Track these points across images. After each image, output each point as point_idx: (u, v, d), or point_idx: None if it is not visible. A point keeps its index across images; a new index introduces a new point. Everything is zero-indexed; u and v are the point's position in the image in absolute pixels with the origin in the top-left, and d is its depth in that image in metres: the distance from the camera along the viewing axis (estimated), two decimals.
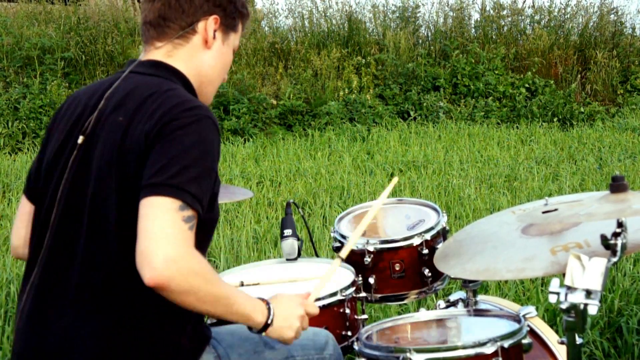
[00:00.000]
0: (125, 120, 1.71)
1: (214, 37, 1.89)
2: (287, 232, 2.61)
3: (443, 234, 2.59)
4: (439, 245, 2.47)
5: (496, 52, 11.57)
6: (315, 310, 1.92)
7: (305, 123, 9.81)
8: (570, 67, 11.86)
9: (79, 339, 1.69)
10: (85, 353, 1.69)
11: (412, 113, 10.39)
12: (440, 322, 2.23)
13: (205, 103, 1.92)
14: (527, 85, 11.23)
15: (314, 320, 2.20)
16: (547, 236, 1.95)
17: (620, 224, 1.70)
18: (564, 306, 1.69)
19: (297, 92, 10.23)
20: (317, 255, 2.94)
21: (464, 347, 1.88)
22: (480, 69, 11.20)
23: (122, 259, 1.64)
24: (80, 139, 1.75)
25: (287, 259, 2.64)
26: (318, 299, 2.21)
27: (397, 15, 12.41)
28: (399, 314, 3.62)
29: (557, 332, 2.57)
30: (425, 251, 2.50)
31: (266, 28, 12.24)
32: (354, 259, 2.54)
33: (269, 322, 1.77)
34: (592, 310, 1.67)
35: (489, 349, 1.88)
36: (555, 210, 1.83)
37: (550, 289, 1.72)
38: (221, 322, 2.23)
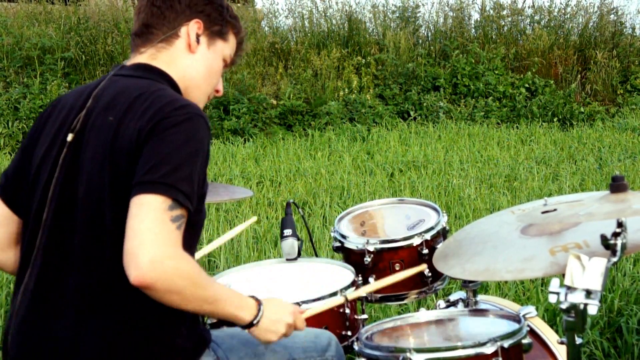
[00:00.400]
0: (115, 120, 1.71)
1: (198, 42, 1.91)
2: (287, 232, 2.61)
3: (443, 234, 2.59)
4: (439, 245, 2.47)
5: (496, 52, 11.57)
6: (302, 325, 1.94)
7: (305, 123, 9.81)
8: (570, 67, 11.86)
9: (76, 341, 1.68)
10: (83, 355, 1.68)
11: (412, 113, 10.39)
12: (440, 322, 2.23)
13: None
14: (527, 85, 11.23)
15: (314, 321, 2.21)
16: (546, 236, 1.95)
17: (620, 224, 1.70)
18: (564, 306, 1.69)
19: (297, 92, 10.23)
20: (317, 255, 2.94)
21: (464, 347, 1.88)
22: (480, 69, 11.20)
23: (117, 258, 1.64)
24: (70, 137, 1.76)
25: (287, 259, 2.64)
26: (315, 300, 2.22)
27: (397, 15, 12.41)
28: (399, 314, 3.62)
29: (557, 332, 2.57)
30: (425, 251, 2.50)
31: (266, 28, 12.25)
32: (354, 259, 2.54)
33: (255, 322, 1.78)
34: (592, 310, 1.67)
35: (489, 349, 1.88)
36: (555, 210, 1.83)
37: (550, 289, 1.72)
38: (221, 324, 2.24)
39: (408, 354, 1.86)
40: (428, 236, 2.53)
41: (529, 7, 12.90)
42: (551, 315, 3.58)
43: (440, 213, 2.63)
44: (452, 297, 2.53)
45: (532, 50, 11.80)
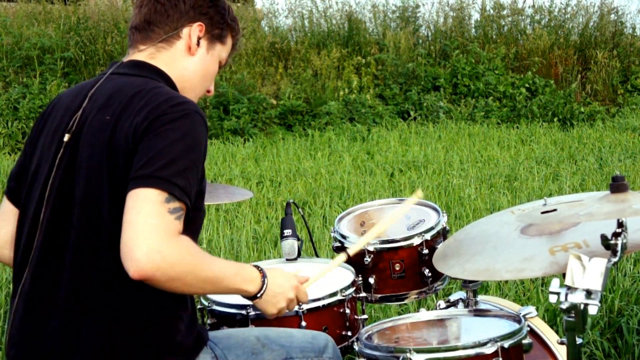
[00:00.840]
0: (112, 119, 1.71)
1: (198, 45, 1.91)
2: (287, 232, 2.61)
3: (443, 234, 2.58)
4: (439, 245, 2.47)
5: (496, 52, 11.57)
6: (305, 298, 1.96)
7: (305, 123, 9.81)
8: (571, 67, 11.86)
9: (74, 340, 1.68)
10: (81, 354, 1.68)
11: (412, 113, 10.39)
12: (440, 322, 2.23)
13: None
14: (527, 85, 11.23)
15: (314, 321, 2.21)
16: (546, 236, 1.95)
17: (620, 224, 1.70)
18: (564, 306, 1.69)
19: (297, 92, 10.23)
20: (317, 255, 2.94)
21: (464, 347, 1.88)
22: (480, 68, 11.20)
23: (114, 257, 1.64)
24: (67, 137, 1.76)
25: (287, 259, 2.64)
26: (315, 300, 2.22)
27: (397, 15, 12.41)
28: (399, 314, 3.61)
29: (557, 332, 2.57)
30: (426, 251, 2.50)
31: (266, 28, 12.24)
32: (354, 259, 2.54)
33: (259, 294, 1.81)
34: (592, 310, 1.67)
35: (489, 349, 1.87)
36: (555, 210, 1.83)
37: (551, 289, 1.72)
38: (220, 325, 2.24)
39: (408, 354, 1.86)
40: (428, 236, 2.52)
41: (529, 7, 12.90)
42: (551, 316, 3.58)
43: (440, 213, 2.63)
44: (452, 297, 2.53)
45: (532, 50, 11.80)
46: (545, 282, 3.99)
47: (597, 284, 1.66)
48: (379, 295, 2.55)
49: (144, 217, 1.55)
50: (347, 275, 2.44)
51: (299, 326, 2.18)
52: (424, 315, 2.25)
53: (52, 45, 9.72)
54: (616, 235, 1.69)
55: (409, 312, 3.51)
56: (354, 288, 2.35)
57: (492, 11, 12.49)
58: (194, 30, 1.90)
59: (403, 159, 7.74)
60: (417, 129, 9.58)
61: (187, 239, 1.61)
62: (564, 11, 12.82)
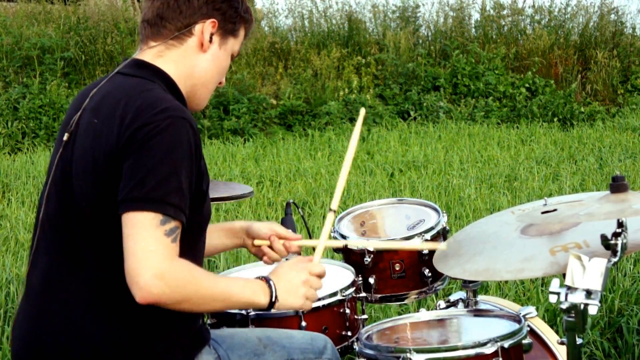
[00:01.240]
0: (99, 122, 1.71)
1: (211, 41, 1.87)
2: None
3: (443, 234, 2.58)
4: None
5: (496, 52, 11.57)
6: (320, 269, 1.90)
7: (305, 123, 9.81)
8: (571, 67, 11.86)
9: (77, 338, 1.69)
10: (84, 352, 1.68)
11: (412, 113, 10.39)
12: (440, 322, 2.23)
13: (200, 105, 1.91)
14: (527, 85, 11.22)
15: (314, 321, 2.21)
16: (546, 236, 1.95)
17: (620, 224, 1.69)
18: (564, 306, 1.69)
19: (297, 92, 10.23)
20: None
21: (464, 347, 1.88)
22: (480, 68, 11.19)
23: (111, 258, 1.65)
24: (66, 137, 1.77)
25: (287, 259, 2.63)
26: (319, 299, 2.22)
27: (397, 15, 12.41)
28: (399, 314, 3.61)
29: (557, 332, 2.56)
30: (426, 251, 2.50)
31: (266, 28, 12.24)
32: (354, 259, 2.54)
33: (274, 299, 1.78)
34: (592, 310, 1.67)
35: (489, 349, 1.88)
36: (555, 210, 1.83)
37: (551, 289, 1.72)
38: (221, 324, 2.24)
39: (408, 354, 1.86)
40: (428, 236, 2.52)
41: (529, 7, 12.89)
42: (551, 316, 3.57)
43: (440, 213, 2.63)
44: (452, 298, 2.53)
45: (532, 50, 11.79)
46: (545, 282, 3.99)
47: (597, 284, 1.66)
48: (379, 295, 2.55)
49: (142, 245, 1.57)
50: (347, 275, 2.44)
51: (299, 326, 2.19)
52: (424, 315, 2.25)
53: (52, 45, 9.72)
54: (616, 235, 1.69)
55: (409, 312, 3.50)
56: (354, 288, 2.35)
57: (492, 11, 12.48)
58: (206, 27, 1.86)
59: (403, 159, 7.74)
60: (417, 129, 9.57)
61: (186, 262, 1.63)
62: (564, 11, 12.81)
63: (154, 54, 1.85)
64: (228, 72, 9.43)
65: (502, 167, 7.33)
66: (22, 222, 5.34)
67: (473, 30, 12.47)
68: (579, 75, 11.77)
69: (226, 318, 2.23)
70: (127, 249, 1.58)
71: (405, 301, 2.61)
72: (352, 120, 9.90)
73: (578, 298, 1.68)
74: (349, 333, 2.30)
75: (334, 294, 2.27)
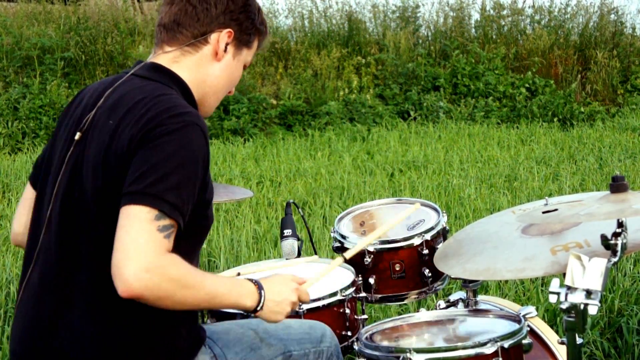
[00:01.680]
0: (114, 123, 1.71)
1: (225, 51, 1.87)
2: (287, 232, 2.61)
3: (443, 234, 2.58)
4: (439, 245, 2.47)
5: (496, 52, 11.56)
6: (307, 297, 1.93)
7: (305, 123, 9.81)
8: (571, 67, 11.85)
9: (78, 340, 1.68)
10: (85, 354, 1.68)
11: (412, 113, 10.39)
12: (440, 322, 2.23)
13: (208, 113, 1.92)
14: (527, 85, 11.22)
15: (313, 318, 2.20)
16: (547, 236, 1.95)
17: (620, 224, 1.70)
18: (564, 306, 1.69)
19: (297, 92, 10.23)
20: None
21: (464, 347, 1.88)
22: (480, 68, 11.19)
23: (109, 261, 1.65)
24: (77, 135, 1.76)
25: (287, 259, 2.64)
26: (315, 300, 2.23)
27: (397, 15, 12.40)
28: (399, 314, 3.61)
29: (557, 332, 2.57)
30: (426, 251, 2.50)
31: None
32: (354, 259, 2.54)
33: (259, 307, 1.79)
34: (592, 310, 1.67)
35: (489, 349, 1.88)
36: (556, 210, 1.83)
37: (551, 289, 1.72)
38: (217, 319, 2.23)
39: (408, 354, 1.86)
40: (428, 236, 2.52)
41: (529, 7, 12.88)
42: (551, 316, 3.57)
43: (440, 213, 2.63)
44: (452, 297, 2.53)
45: (532, 50, 11.79)
46: (545, 282, 3.99)
47: (597, 284, 1.66)
48: (379, 296, 2.55)
49: (133, 236, 1.56)
50: (347, 275, 2.44)
51: None
52: (424, 315, 2.25)
53: (52, 45, 9.72)
54: (616, 235, 1.69)
55: (409, 312, 3.50)
56: (354, 288, 2.35)
57: (492, 11, 12.47)
58: (222, 37, 1.86)
59: (403, 159, 7.74)
60: (417, 129, 9.57)
61: (175, 257, 1.61)
62: (564, 11, 12.81)
63: (169, 59, 1.85)
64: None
65: (502, 167, 7.33)
66: None
67: (473, 30, 12.47)
68: (579, 75, 11.77)
69: (226, 318, 2.22)
70: (118, 239, 1.57)
71: (405, 301, 2.61)
72: (352, 120, 9.90)
73: (578, 298, 1.68)
74: (349, 333, 2.30)
75: (334, 294, 2.27)
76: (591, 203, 1.79)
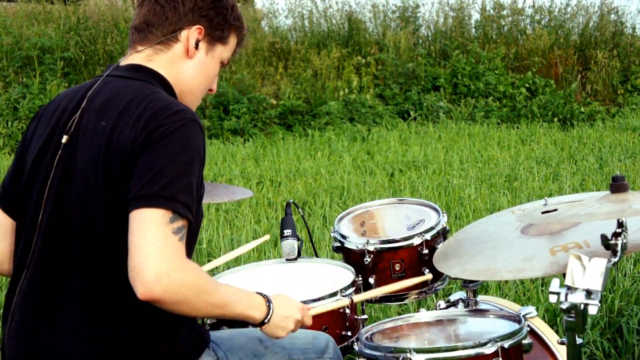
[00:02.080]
0: (108, 125, 1.70)
1: (197, 47, 1.87)
2: (287, 232, 2.61)
3: (443, 234, 2.58)
4: (439, 245, 2.47)
5: (496, 52, 11.57)
6: (310, 321, 1.96)
7: (305, 123, 9.81)
8: (571, 67, 11.86)
9: (75, 346, 1.68)
10: (83, 358, 1.68)
11: (412, 113, 10.39)
12: (440, 322, 2.22)
13: None
14: (527, 85, 11.23)
15: (314, 321, 2.20)
16: (546, 236, 1.95)
17: (620, 224, 1.69)
18: (564, 306, 1.69)
19: (297, 92, 10.23)
20: (317, 256, 2.94)
21: (464, 347, 1.88)
22: (480, 68, 11.19)
23: (113, 263, 1.64)
24: (65, 139, 1.74)
25: (287, 259, 2.64)
26: (319, 299, 2.23)
27: (397, 15, 12.41)
28: (399, 314, 3.61)
29: (557, 332, 2.56)
30: (426, 251, 2.50)
31: (266, 28, 12.24)
32: (354, 259, 2.54)
33: (266, 320, 1.80)
34: (592, 310, 1.67)
35: (489, 349, 1.87)
36: (555, 210, 1.83)
37: (551, 289, 1.72)
38: (220, 324, 2.23)
39: (408, 354, 1.86)
40: (428, 236, 2.52)
41: (529, 7, 12.89)
42: (551, 316, 3.57)
43: (440, 213, 2.63)
44: (452, 298, 2.53)
45: (532, 50, 11.79)
46: (545, 282, 3.99)
47: (597, 284, 1.66)
48: (379, 296, 2.55)
49: (150, 241, 1.56)
50: (347, 275, 2.44)
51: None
52: (424, 315, 2.25)
53: (52, 45, 9.72)
54: (616, 235, 1.69)
55: (409, 312, 3.50)
56: (354, 288, 2.35)
57: (492, 11, 12.48)
58: (192, 34, 1.86)
59: (403, 159, 7.74)
60: (417, 129, 9.58)
61: (193, 263, 1.64)
62: (564, 11, 12.82)
63: (143, 57, 1.85)
64: (228, 72, 9.32)
65: (502, 167, 7.33)
66: None
67: (473, 30, 12.48)
68: (579, 75, 11.77)
69: (225, 323, 2.22)
70: (134, 244, 1.57)
71: (406, 301, 2.61)
72: (352, 120, 9.90)
73: (578, 298, 1.68)
74: (349, 333, 2.30)
75: (334, 294, 2.27)
76: (591, 203, 1.79)
